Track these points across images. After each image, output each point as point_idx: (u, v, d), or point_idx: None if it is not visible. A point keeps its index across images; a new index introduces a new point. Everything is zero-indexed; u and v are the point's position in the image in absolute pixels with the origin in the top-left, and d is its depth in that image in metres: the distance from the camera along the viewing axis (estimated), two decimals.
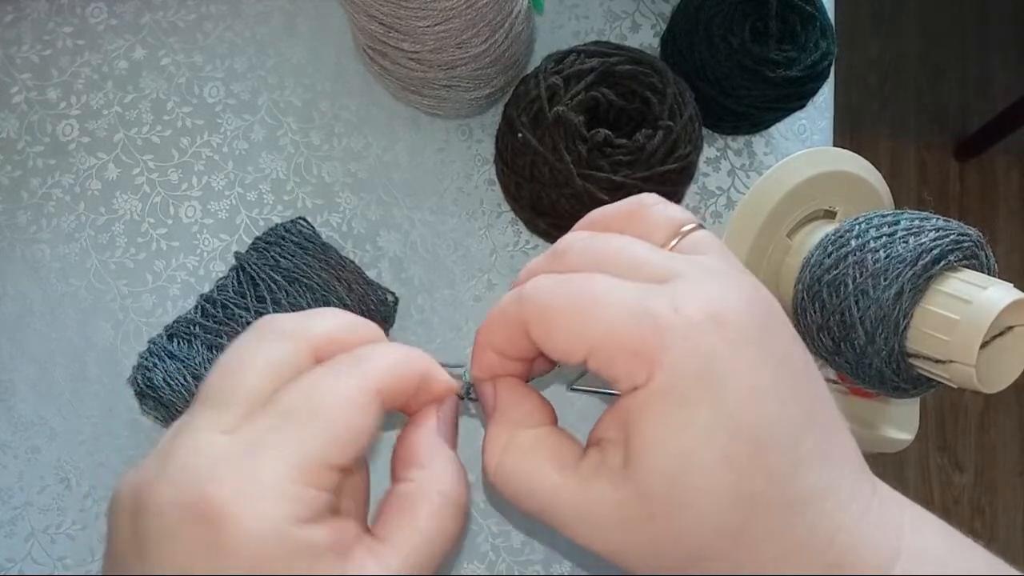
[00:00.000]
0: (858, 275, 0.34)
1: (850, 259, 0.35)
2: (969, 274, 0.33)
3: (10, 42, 0.59)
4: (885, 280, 0.33)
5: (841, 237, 0.37)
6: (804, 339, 0.39)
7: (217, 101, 0.59)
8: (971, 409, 1.38)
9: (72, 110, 0.58)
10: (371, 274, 0.57)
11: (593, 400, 0.56)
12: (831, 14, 0.58)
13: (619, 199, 0.48)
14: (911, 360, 0.33)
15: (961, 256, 0.34)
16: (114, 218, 0.57)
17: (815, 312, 0.37)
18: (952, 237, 0.34)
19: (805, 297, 0.38)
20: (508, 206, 0.56)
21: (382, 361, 0.25)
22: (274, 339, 0.24)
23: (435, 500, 0.25)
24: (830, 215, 0.46)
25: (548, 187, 0.49)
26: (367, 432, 0.23)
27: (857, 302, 0.34)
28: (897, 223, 0.35)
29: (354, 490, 0.26)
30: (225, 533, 0.20)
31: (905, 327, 0.33)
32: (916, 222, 0.35)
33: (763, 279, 0.43)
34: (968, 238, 0.35)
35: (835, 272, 0.36)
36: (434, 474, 0.25)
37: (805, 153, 0.45)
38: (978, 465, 1.35)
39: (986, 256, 0.35)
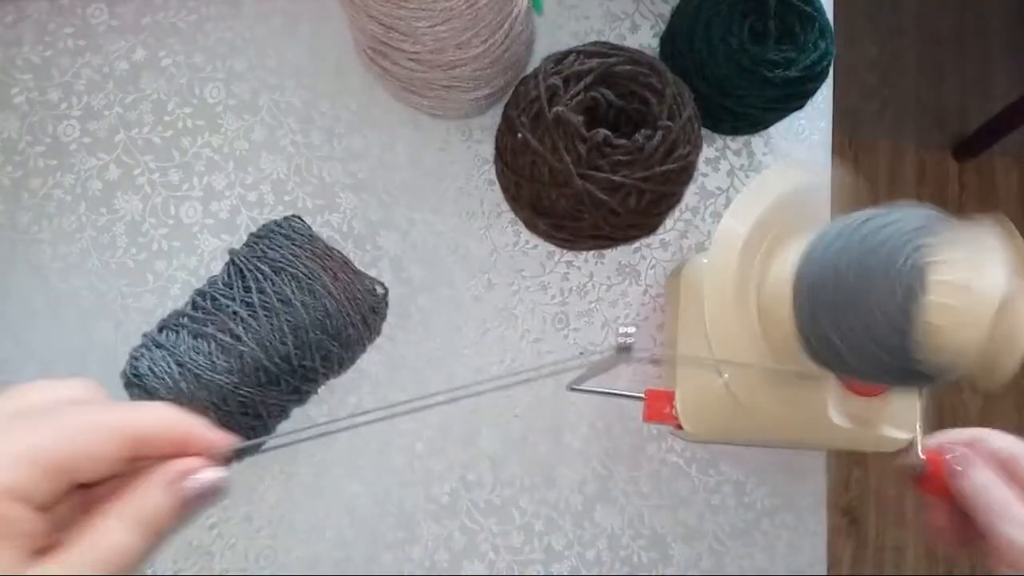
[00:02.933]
0: (856, 279, 0.34)
1: (842, 266, 0.35)
2: (955, 252, 0.33)
3: (11, 43, 0.59)
4: (885, 281, 0.34)
5: (824, 248, 0.37)
6: (811, 354, 0.39)
7: (218, 102, 0.59)
8: (970, 409, 1.38)
9: (73, 111, 0.58)
10: (371, 274, 0.57)
11: (593, 400, 0.56)
12: (830, 14, 0.58)
13: (618, 199, 0.48)
14: (928, 351, 0.33)
15: (935, 238, 0.34)
16: (115, 218, 0.57)
17: (821, 326, 0.37)
18: (929, 223, 0.34)
19: (806, 311, 0.38)
20: (508, 206, 0.57)
21: (145, 412, 0.26)
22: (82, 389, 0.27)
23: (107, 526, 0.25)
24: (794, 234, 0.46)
25: (548, 187, 0.49)
26: (107, 459, 0.25)
27: (862, 309, 0.34)
28: (876, 221, 0.35)
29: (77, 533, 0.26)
30: None
31: (914, 325, 0.32)
32: (889, 216, 0.35)
33: (755, 307, 0.43)
34: (939, 218, 0.35)
35: (832, 283, 0.36)
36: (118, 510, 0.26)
37: (754, 183, 0.45)
38: None
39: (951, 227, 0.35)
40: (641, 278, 0.58)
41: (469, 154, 0.59)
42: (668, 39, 0.58)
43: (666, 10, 0.62)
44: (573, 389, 0.53)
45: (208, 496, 0.27)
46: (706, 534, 0.56)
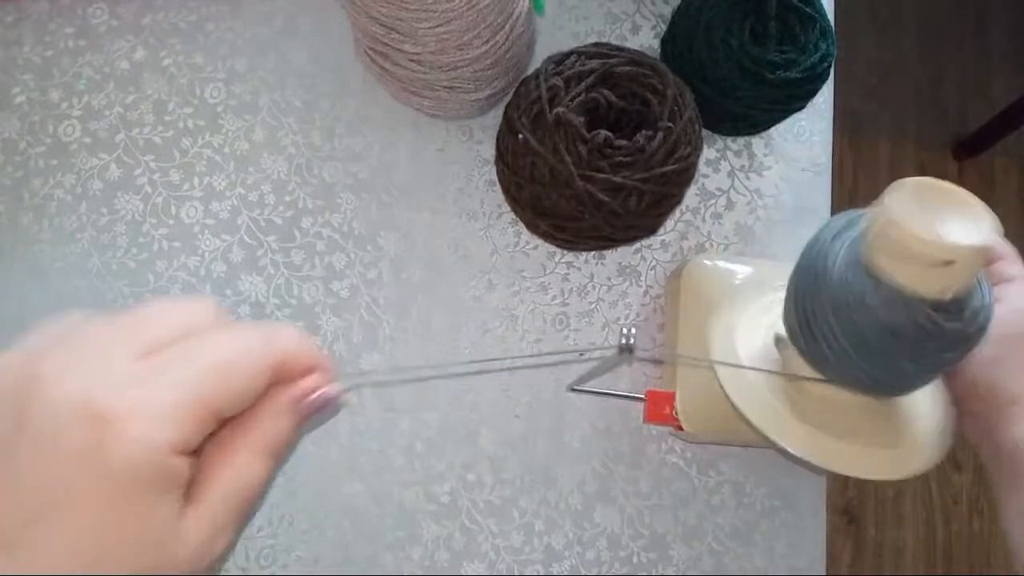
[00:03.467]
0: (814, 277, 0.35)
1: (802, 273, 0.36)
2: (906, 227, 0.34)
3: (11, 43, 0.59)
4: (830, 253, 0.35)
5: (801, 258, 0.38)
6: (806, 359, 0.39)
7: (218, 102, 0.59)
8: None
9: (74, 111, 0.58)
10: (371, 274, 0.57)
11: (593, 400, 0.56)
12: (830, 15, 0.59)
13: (619, 200, 0.48)
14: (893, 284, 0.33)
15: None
16: (116, 218, 0.57)
17: (808, 331, 0.37)
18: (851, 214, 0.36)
19: (795, 322, 0.38)
20: (508, 207, 0.57)
21: (286, 339, 0.26)
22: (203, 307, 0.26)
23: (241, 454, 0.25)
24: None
25: (548, 188, 0.49)
26: (256, 393, 0.25)
27: (824, 301, 0.35)
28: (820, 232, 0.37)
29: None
30: (110, 437, 0.21)
31: (863, 256, 0.34)
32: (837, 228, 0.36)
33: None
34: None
35: (800, 284, 0.37)
36: (251, 428, 0.26)
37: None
38: (977, 465, 1.36)
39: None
40: (641, 279, 0.58)
41: (470, 155, 0.59)
42: (669, 40, 0.58)
43: (667, 11, 0.62)
44: (573, 389, 0.53)
45: (327, 411, 0.27)
46: (706, 534, 0.56)
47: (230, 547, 0.24)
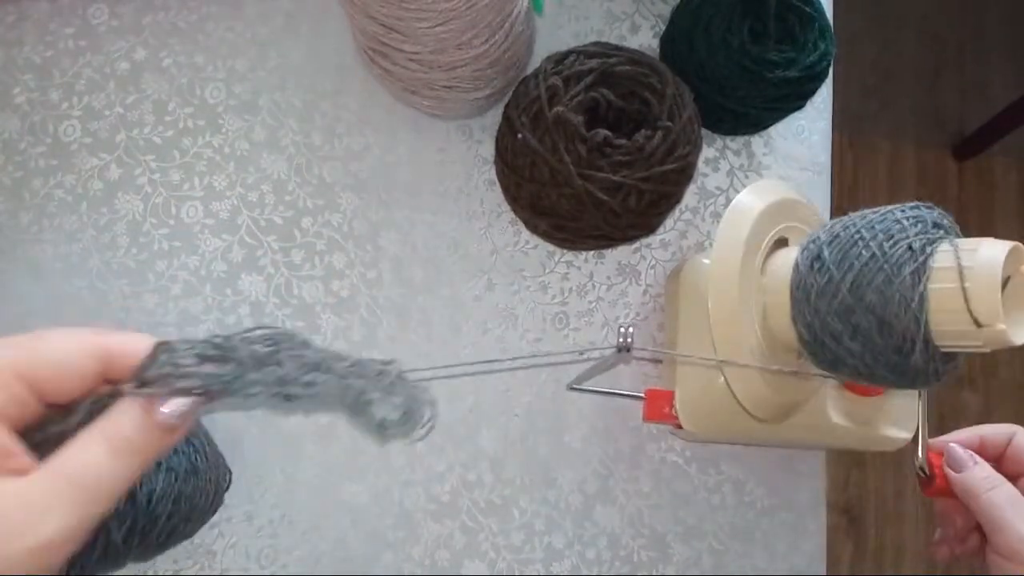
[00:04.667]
0: (855, 282, 0.35)
1: (840, 270, 0.35)
2: (951, 243, 0.33)
3: (12, 43, 0.59)
4: (884, 280, 0.34)
5: (818, 254, 0.37)
6: (813, 357, 0.39)
7: (218, 102, 0.59)
8: (970, 409, 1.38)
9: (74, 111, 0.58)
10: (371, 274, 0.57)
11: (593, 399, 0.56)
12: (830, 15, 0.59)
13: (619, 199, 0.48)
14: (940, 343, 0.33)
15: (940, 232, 0.34)
16: (116, 218, 0.57)
17: (822, 333, 0.37)
18: (924, 216, 0.35)
19: (805, 314, 0.38)
20: (508, 206, 0.57)
21: (118, 335, 0.27)
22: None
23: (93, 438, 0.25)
24: (782, 243, 0.46)
25: (548, 187, 0.49)
26: (74, 371, 0.25)
27: (866, 310, 0.34)
28: (866, 221, 0.36)
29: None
30: None
31: (925, 318, 0.33)
32: (881, 216, 0.35)
33: (761, 316, 0.43)
34: (936, 213, 0.35)
35: (831, 287, 0.36)
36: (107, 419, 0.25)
37: (746, 192, 0.45)
38: None
39: (951, 223, 0.36)
40: (641, 278, 0.59)
41: (469, 154, 0.59)
42: (668, 39, 0.58)
43: (666, 10, 0.62)
44: (573, 389, 0.53)
45: (186, 423, 0.26)
46: (706, 533, 0.56)
47: (65, 538, 0.23)
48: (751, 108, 0.55)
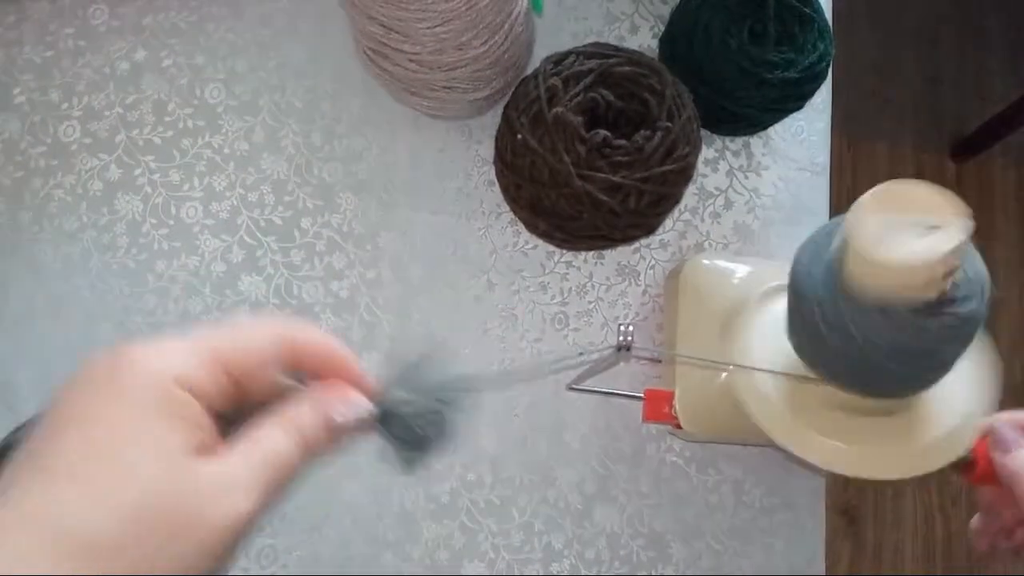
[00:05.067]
0: (802, 281, 0.35)
1: (799, 270, 0.36)
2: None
3: (12, 43, 0.59)
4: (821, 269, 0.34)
5: (796, 262, 0.38)
6: (805, 363, 0.39)
7: (218, 102, 0.59)
8: None
9: (74, 111, 0.58)
10: (371, 274, 0.57)
11: (593, 399, 0.56)
12: (828, 16, 0.59)
13: (618, 199, 0.48)
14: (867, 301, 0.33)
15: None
16: (116, 218, 0.57)
17: (799, 332, 0.37)
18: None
19: (791, 325, 0.38)
20: (507, 207, 0.57)
21: (303, 326, 0.28)
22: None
23: (280, 427, 0.26)
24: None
25: (547, 188, 0.49)
26: (263, 355, 0.26)
27: (809, 308, 0.35)
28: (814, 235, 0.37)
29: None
30: (122, 364, 0.24)
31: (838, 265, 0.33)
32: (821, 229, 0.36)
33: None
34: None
35: (795, 287, 0.37)
36: (294, 410, 0.26)
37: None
38: None
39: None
40: (640, 278, 0.59)
41: (469, 155, 0.59)
42: (667, 40, 0.58)
43: (665, 11, 0.62)
44: (573, 389, 0.53)
45: (355, 431, 0.27)
46: (705, 533, 0.56)
47: (252, 521, 0.23)
48: (750, 109, 0.55)
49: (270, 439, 0.25)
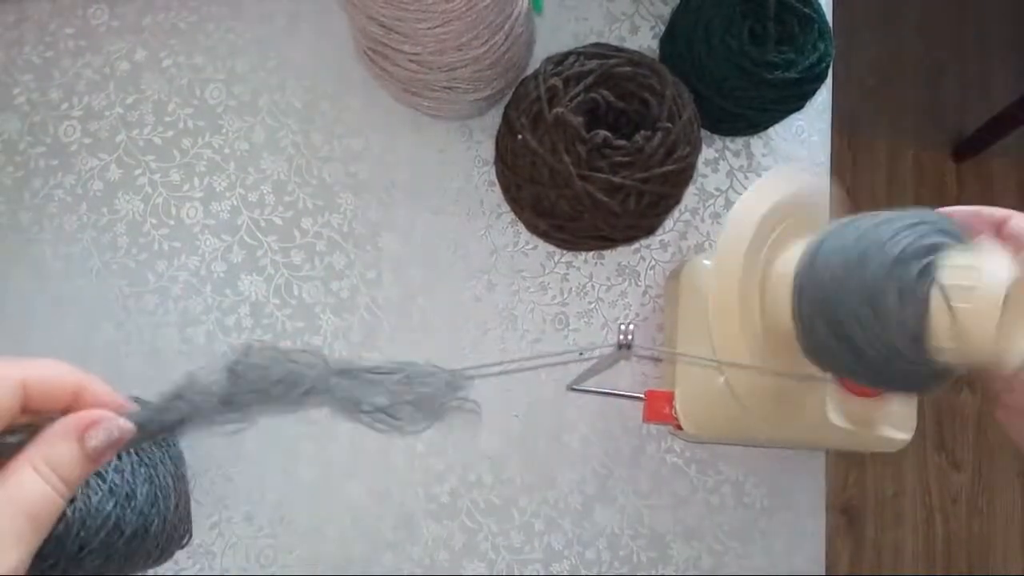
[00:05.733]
0: (859, 287, 0.34)
1: (843, 271, 0.35)
2: (956, 257, 0.33)
3: (12, 43, 0.59)
4: (888, 287, 0.33)
5: (823, 254, 0.37)
6: (812, 357, 0.39)
7: (218, 102, 0.59)
8: (969, 409, 1.38)
9: (74, 111, 0.58)
10: (371, 274, 0.57)
11: (593, 400, 0.56)
12: (829, 16, 0.59)
13: (618, 200, 0.48)
14: (938, 356, 0.33)
15: (946, 239, 0.34)
16: (116, 219, 0.57)
17: (825, 333, 0.36)
18: (931, 226, 0.34)
19: (809, 317, 0.37)
20: (508, 207, 0.57)
21: (36, 362, 0.27)
22: None
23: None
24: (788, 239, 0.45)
25: (548, 188, 0.49)
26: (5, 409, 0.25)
27: (867, 316, 0.34)
28: (873, 225, 0.35)
29: None
30: None
31: (924, 331, 0.32)
32: (887, 222, 0.35)
33: (758, 309, 0.42)
34: (941, 224, 0.35)
35: (834, 288, 0.36)
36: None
37: (755, 186, 0.45)
38: (976, 465, 1.36)
39: (955, 229, 0.35)
40: (641, 279, 0.59)
41: (469, 155, 0.59)
42: (668, 40, 0.58)
43: (666, 12, 0.62)
44: (573, 389, 0.53)
45: (114, 448, 0.27)
46: (705, 534, 0.56)
47: (21, 569, 0.23)
48: (750, 109, 0.55)
49: (24, 486, 0.24)
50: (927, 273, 0.33)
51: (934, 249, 0.33)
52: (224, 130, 0.59)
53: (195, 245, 0.57)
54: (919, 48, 1.56)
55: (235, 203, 0.58)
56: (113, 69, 0.59)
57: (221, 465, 0.54)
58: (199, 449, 0.54)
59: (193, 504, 0.54)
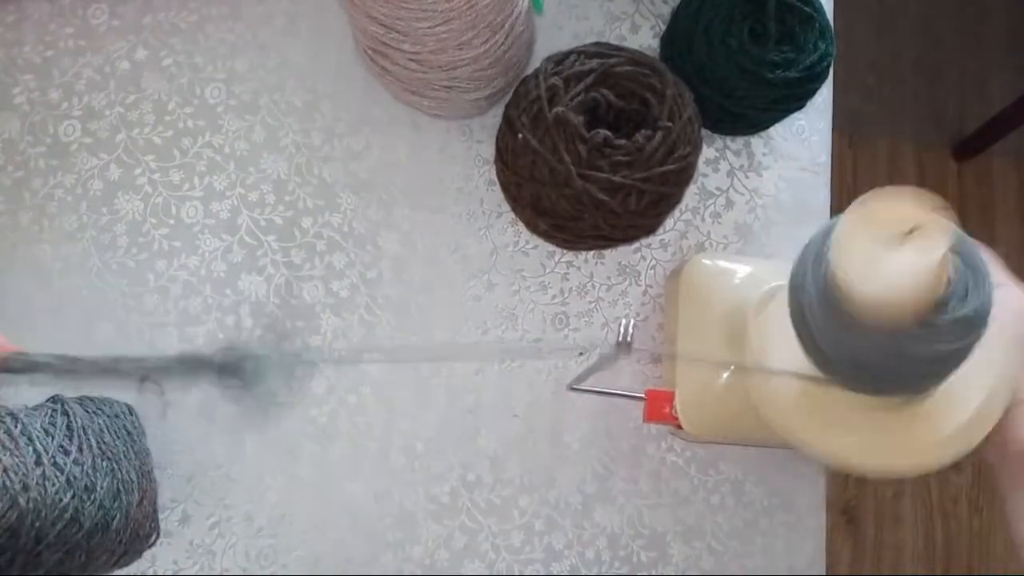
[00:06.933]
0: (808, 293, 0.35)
1: (805, 267, 0.36)
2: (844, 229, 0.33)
3: (12, 43, 0.59)
4: (815, 282, 0.34)
5: (795, 265, 0.37)
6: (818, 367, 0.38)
7: (219, 102, 0.59)
8: None
9: (74, 111, 0.58)
10: (371, 274, 0.57)
11: (593, 399, 0.56)
12: (829, 15, 0.59)
13: (618, 199, 0.48)
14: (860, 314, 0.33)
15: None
16: (116, 218, 0.57)
17: (814, 346, 0.37)
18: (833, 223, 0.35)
19: (799, 332, 0.38)
20: (508, 206, 0.57)
21: None
22: None
23: None
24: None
25: (548, 187, 0.49)
26: None
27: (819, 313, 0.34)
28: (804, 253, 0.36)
29: None
30: None
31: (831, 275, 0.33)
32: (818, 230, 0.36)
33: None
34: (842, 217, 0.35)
35: (796, 301, 0.36)
36: None
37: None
38: (976, 465, 1.36)
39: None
40: (641, 278, 0.59)
41: (469, 154, 0.59)
42: (668, 40, 0.58)
43: (666, 11, 0.62)
44: (573, 389, 0.53)
45: None
46: (705, 533, 0.56)
47: None
48: (751, 108, 0.55)
49: None
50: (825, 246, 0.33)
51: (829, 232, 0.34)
52: (224, 129, 0.59)
53: (195, 245, 0.57)
54: (919, 48, 1.56)
55: (235, 203, 0.58)
56: (113, 68, 0.59)
57: (221, 465, 0.54)
58: (199, 449, 0.54)
59: (193, 504, 0.54)
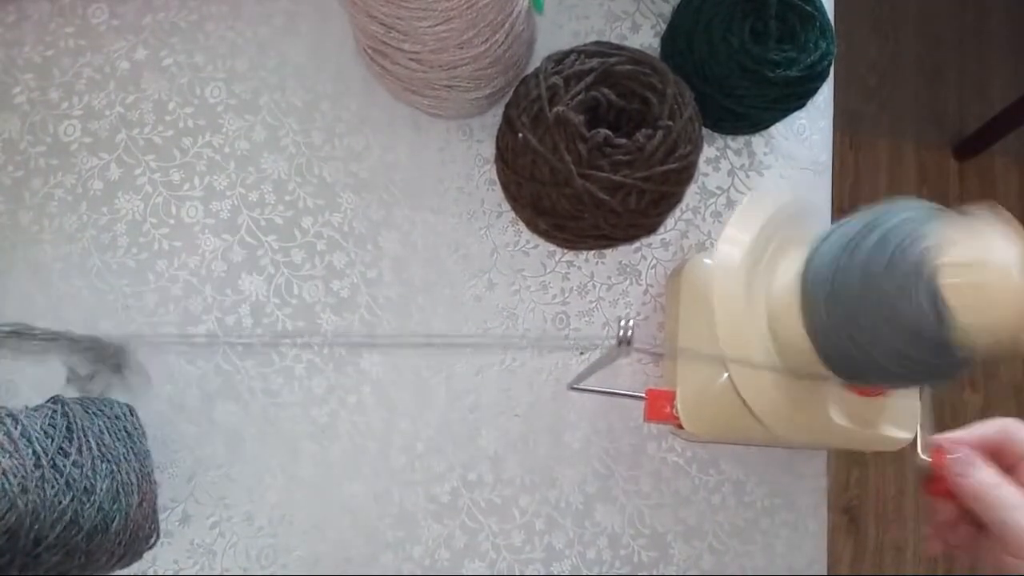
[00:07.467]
0: (871, 284, 0.34)
1: (852, 271, 0.35)
2: (955, 234, 0.33)
3: (12, 43, 0.59)
4: (902, 278, 0.33)
5: (828, 255, 0.36)
6: (826, 361, 0.38)
7: (219, 101, 0.59)
8: (970, 408, 1.38)
9: (74, 110, 0.58)
10: (371, 273, 0.57)
11: (593, 399, 0.56)
12: (830, 14, 0.59)
13: (619, 199, 0.48)
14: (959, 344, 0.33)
15: (929, 228, 0.34)
16: (116, 218, 0.57)
17: (836, 336, 0.36)
18: (927, 213, 0.34)
19: (817, 322, 0.37)
20: (508, 206, 0.57)
21: None
22: None
23: None
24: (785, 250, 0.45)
25: (548, 187, 0.49)
26: None
27: (887, 312, 0.33)
28: (872, 221, 0.35)
29: None
30: None
31: (945, 316, 0.32)
32: (885, 214, 0.35)
33: (763, 312, 0.42)
34: (931, 208, 0.35)
35: (841, 290, 0.35)
36: None
37: (747, 203, 0.45)
38: None
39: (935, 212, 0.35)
40: (642, 277, 0.58)
41: (470, 154, 0.59)
42: (669, 39, 0.58)
43: (667, 10, 0.62)
44: (574, 389, 0.53)
45: None
46: (706, 533, 0.56)
47: None
48: (752, 108, 0.55)
49: None
50: (926, 263, 0.32)
51: (923, 237, 0.33)
52: (224, 129, 0.59)
53: (195, 245, 0.57)
54: (920, 47, 1.56)
55: (235, 202, 0.58)
56: (113, 68, 0.59)
57: (221, 465, 0.54)
58: (200, 449, 0.54)
59: (193, 504, 0.53)
